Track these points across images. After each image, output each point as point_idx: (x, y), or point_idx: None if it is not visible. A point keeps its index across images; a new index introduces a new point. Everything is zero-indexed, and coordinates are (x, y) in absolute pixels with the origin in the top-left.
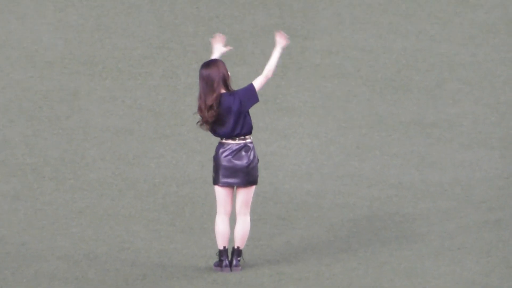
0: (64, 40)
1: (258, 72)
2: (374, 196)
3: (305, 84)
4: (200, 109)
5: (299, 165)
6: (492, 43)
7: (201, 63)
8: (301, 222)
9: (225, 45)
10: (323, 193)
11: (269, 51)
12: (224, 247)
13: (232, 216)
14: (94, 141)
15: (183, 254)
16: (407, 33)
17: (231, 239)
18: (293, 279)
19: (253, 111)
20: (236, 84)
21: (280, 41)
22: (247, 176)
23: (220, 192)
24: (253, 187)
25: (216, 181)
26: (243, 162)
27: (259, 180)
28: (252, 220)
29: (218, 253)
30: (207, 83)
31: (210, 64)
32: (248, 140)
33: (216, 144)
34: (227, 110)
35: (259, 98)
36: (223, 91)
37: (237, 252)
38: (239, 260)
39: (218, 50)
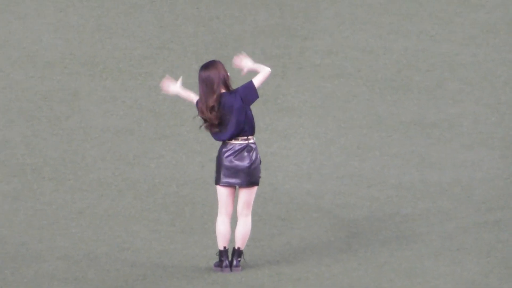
0: (65, 40)
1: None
2: (374, 197)
3: (305, 84)
4: (201, 112)
5: (299, 166)
6: (492, 43)
7: (201, 64)
8: (301, 223)
9: (176, 81)
10: (323, 194)
11: (270, 52)
12: (225, 247)
13: (233, 217)
14: (94, 141)
15: (183, 255)
16: (407, 33)
17: (232, 239)
18: (293, 279)
19: (253, 111)
20: (237, 85)
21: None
22: (248, 177)
23: (222, 192)
24: (255, 188)
25: (217, 181)
26: (244, 162)
27: (259, 180)
28: (252, 221)
29: (218, 254)
30: (207, 85)
31: (209, 66)
32: (251, 141)
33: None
34: (229, 109)
35: (259, 96)
36: (223, 91)
37: (238, 253)
38: (239, 261)
39: (177, 88)
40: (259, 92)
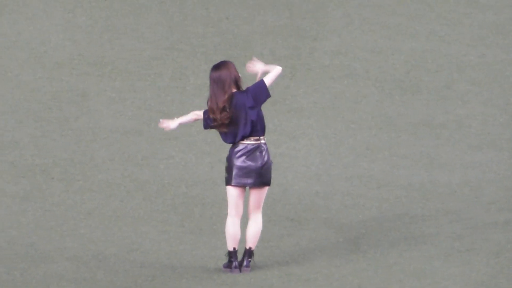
0: (73, 41)
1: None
2: (383, 197)
3: (314, 85)
4: (211, 111)
5: (308, 166)
6: (501, 44)
7: (210, 65)
8: (310, 223)
9: (171, 121)
10: (332, 194)
11: (278, 52)
12: (234, 248)
13: (244, 216)
14: (103, 142)
15: (192, 255)
16: (416, 34)
17: (242, 240)
18: (302, 280)
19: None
20: (245, 86)
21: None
22: (260, 177)
23: (232, 193)
24: (266, 188)
25: (228, 182)
26: (257, 163)
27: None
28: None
29: (227, 254)
30: (218, 85)
31: (220, 66)
32: (263, 141)
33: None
34: (240, 108)
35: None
36: (234, 91)
37: (249, 253)
38: (249, 261)
39: (175, 124)
40: (270, 92)
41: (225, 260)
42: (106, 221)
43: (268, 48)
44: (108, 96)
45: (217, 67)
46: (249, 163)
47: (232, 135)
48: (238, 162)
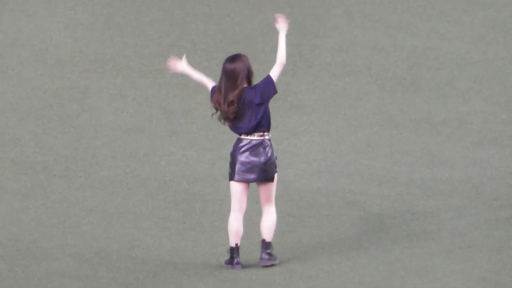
0: (74, 38)
1: (269, 70)
2: (384, 194)
3: (316, 82)
4: (217, 103)
5: (309, 163)
6: (502, 41)
7: (211, 62)
8: (312, 220)
9: (179, 59)
10: (333, 191)
11: None
12: (236, 244)
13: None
14: (104, 139)
15: (193, 252)
16: (417, 31)
17: (244, 236)
18: (304, 277)
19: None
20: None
21: (282, 26)
22: (264, 173)
23: (236, 188)
24: (272, 183)
25: (232, 177)
26: (260, 158)
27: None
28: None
29: (229, 251)
30: (230, 79)
31: (235, 58)
32: (267, 137)
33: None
34: (248, 104)
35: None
36: (245, 85)
37: (265, 245)
38: (268, 253)
39: (183, 66)
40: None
41: (226, 256)
42: (108, 218)
43: (269, 45)
44: (109, 93)
45: (232, 59)
46: (252, 158)
47: (236, 128)
48: (242, 157)
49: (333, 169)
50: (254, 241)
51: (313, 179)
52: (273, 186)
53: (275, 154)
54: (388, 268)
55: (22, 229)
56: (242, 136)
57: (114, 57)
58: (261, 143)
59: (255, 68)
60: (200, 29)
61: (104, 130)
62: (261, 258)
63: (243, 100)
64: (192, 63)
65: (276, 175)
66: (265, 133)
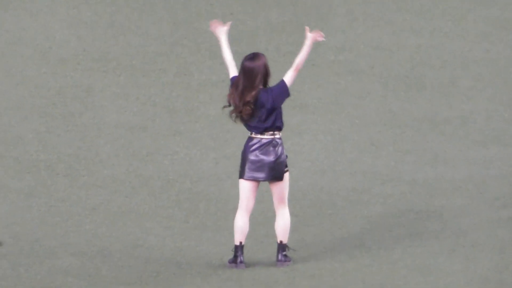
0: (78, 37)
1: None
2: (387, 193)
3: (319, 81)
4: (234, 101)
5: (312, 162)
6: (506, 40)
7: (215, 60)
8: (315, 219)
9: (224, 24)
10: (336, 190)
11: (283, 48)
12: (241, 242)
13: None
14: (107, 137)
15: (197, 251)
16: (420, 30)
17: (249, 235)
18: (307, 275)
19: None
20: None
21: (314, 36)
22: (273, 172)
23: (245, 186)
24: (283, 182)
25: (241, 175)
26: (270, 157)
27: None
28: (266, 217)
29: (233, 249)
30: (249, 78)
31: (254, 57)
32: (277, 136)
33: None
34: (260, 106)
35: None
36: (261, 87)
37: (282, 247)
38: (284, 255)
39: (222, 32)
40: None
41: (230, 256)
42: (111, 216)
43: (272, 44)
44: (112, 92)
45: (252, 58)
46: (262, 157)
47: (247, 126)
48: (252, 156)
49: (336, 168)
50: (258, 240)
51: (316, 178)
52: (285, 186)
53: (285, 153)
54: (391, 267)
55: (25, 228)
56: (253, 135)
57: (117, 56)
58: (271, 142)
59: None
60: (203, 28)
61: (107, 128)
62: (278, 260)
63: (257, 102)
64: (196, 62)
65: (287, 174)
66: (276, 132)
